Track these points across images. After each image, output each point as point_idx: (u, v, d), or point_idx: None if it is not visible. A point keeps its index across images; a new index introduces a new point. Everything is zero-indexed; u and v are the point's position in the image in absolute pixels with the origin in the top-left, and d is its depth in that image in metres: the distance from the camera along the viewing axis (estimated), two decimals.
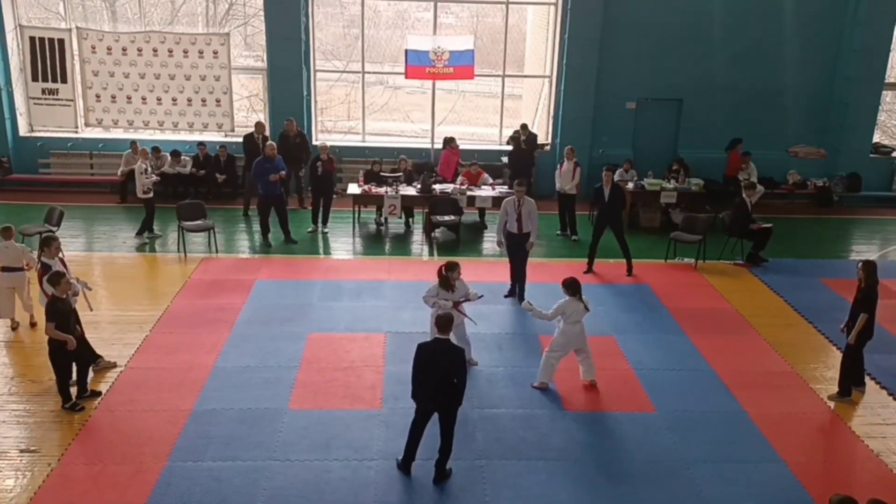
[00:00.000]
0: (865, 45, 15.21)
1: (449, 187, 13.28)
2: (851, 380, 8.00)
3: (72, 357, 7.30)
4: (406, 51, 14.43)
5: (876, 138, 16.67)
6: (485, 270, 11.23)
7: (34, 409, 7.37)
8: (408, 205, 13.30)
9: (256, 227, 12.83)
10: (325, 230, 13.19)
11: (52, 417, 7.23)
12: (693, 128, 15.79)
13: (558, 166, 13.24)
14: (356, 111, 16.83)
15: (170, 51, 15.18)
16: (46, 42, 15.14)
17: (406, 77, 15.05)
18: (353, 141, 16.39)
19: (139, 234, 12.38)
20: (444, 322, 6.29)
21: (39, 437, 6.94)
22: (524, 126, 14.70)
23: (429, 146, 15.70)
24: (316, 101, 15.90)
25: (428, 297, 7.81)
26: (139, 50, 15.14)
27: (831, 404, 7.94)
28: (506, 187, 13.34)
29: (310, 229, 13.13)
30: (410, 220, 13.72)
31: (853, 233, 14.67)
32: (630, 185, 13.70)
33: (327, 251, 12.46)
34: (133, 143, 14.45)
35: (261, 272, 11.07)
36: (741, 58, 15.37)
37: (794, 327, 9.84)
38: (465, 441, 6.90)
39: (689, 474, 6.68)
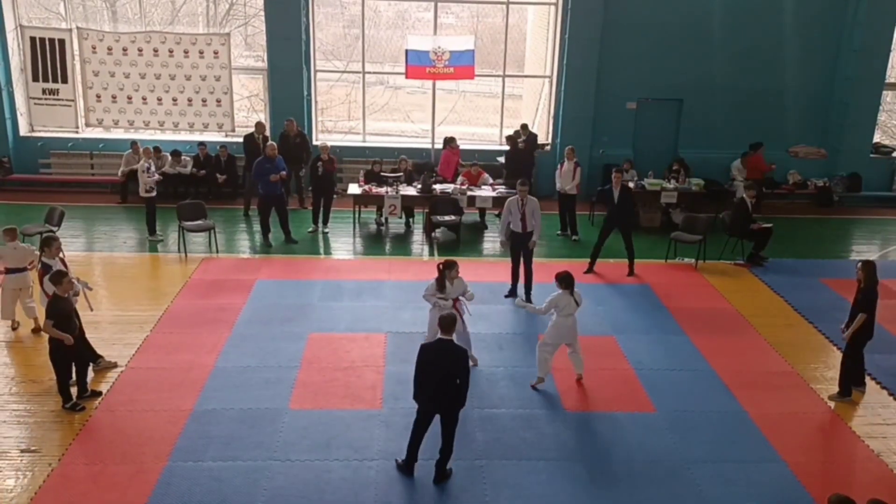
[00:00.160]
0: (865, 46, 15.21)
1: (449, 187, 13.28)
2: (852, 380, 8.00)
3: (72, 357, 7.31)
4: (406, 51, 14.44)
5: (876, 138, 16.68)
6: (485, 270, 11.23)
7: (35, 409, 7.38)
8: (408, 205, 13.31)
9: (257, 227, 12.83)
10: (326, 230, 13.20)
11: (53, 417, 7.23)
12: (693, 128, 15.79)
13: (559, 166, 13.24)
14: (356, 111, 16.83)
15: (170, 51, 15.18)
16: (47, 42, 15.15)
17: (406, 77, 15.07)
18: (353, 141, 16.39)
19: (152, 233, 12.37)
20: (447, 322, 6.29)
21: (40, 437, 6.94)
22: (524, 126, 14.70)
23: (429, 146, 15.70)
24: (316, 102, 15.91)
25: (428, 296, 7.86)
26: (140, 50, 15.15)
27: (831, 404, 7.94)
28: (504, 187, 13.36)
29: (310, 229, 13.13)
30: (411, 220, 13.72)
31: (853, 233, 14.68)
32: (630, 185, 13.68)
33: (328, 251, 12.46)
34: (133, 143, 14.47)
35: (261, 272, 11.07)
36: (742, 58, 15.37)
37: (794, 327, 9.84)
38: (466, 441, 6.90)
39: (689, 474, 6.68)
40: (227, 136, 15.66)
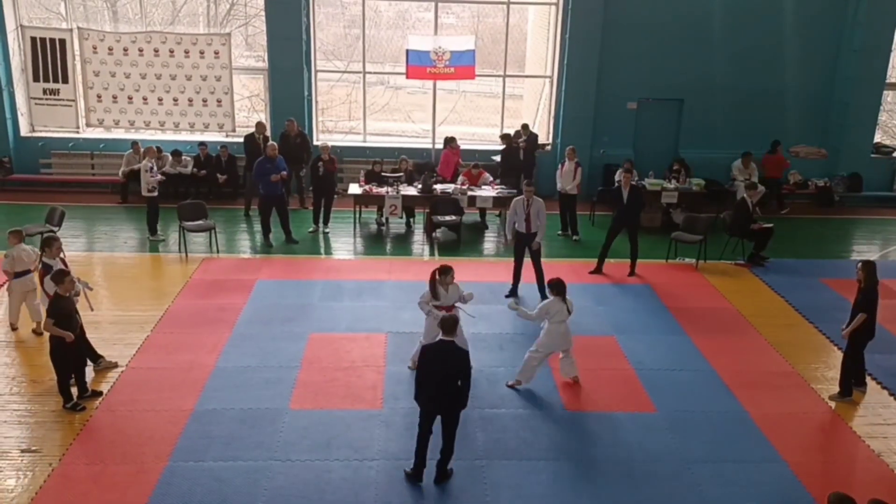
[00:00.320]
0: (866, 45, 15.21)
1: (450, 187, 13.28)
2: (852, 380, 8.00)
3: (73, 356, 7.31)
4: (407, 51, 14.44)
5: (877, 138, 16.68)
6: (486, 270, 11.24)
7: (35, 409, 7.38)
8: (409, 205, 13.31)
9: (257, 227, 12.84)
10: (327, 230, 13.20)
11: (54, 417, 7.23)
12: (694, 128, 15.79)
13: (559, 166, 13.24)
14: (357, 111, 16.84)
15: (171, 51, 15.18)
16: (48, 42, 15.16)
17: (407, 77, 15.08)
18: (354, 141, 16.40)
19: (153, 233, 12.38)
20: (449, 324, 6.28)
21: (40, 437, 6.94)
22: (525, 126, 14.70)
23: (430, 146, 15.71)
24: (317, 102, 15.91)
25: (422, 304, 7.82)
26: (140, 50, 15.15)
27: (832, 404, 7.94)
28: (501, 186, 13.39)
29: (311, 229, 13.13)
30: (411, 220, 13.73)
31: (854, 233, 14.67)
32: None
33: (328, 251, 12.47)
34: (134, 143, 14.48)
35: (262, 272, 11.08)
36: (742, 58, 15.37)
37: (794, 327, 9.84)
38: (466, 441, 6.90)
39: (689, 474, 6.68)
40: (227, 136, 15.66)
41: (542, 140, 15.69)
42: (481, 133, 18.53)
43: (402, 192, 13.00)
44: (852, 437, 7.37)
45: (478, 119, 19.85)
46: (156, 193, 12.22)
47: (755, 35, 15.29)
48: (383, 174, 13.42)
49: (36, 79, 15.32)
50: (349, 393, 7.79)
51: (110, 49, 15.15)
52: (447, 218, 12.79)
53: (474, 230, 13.56)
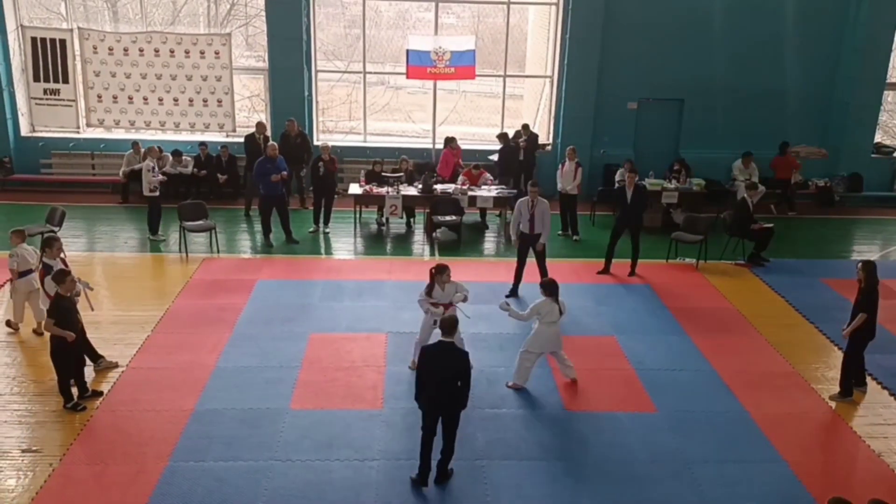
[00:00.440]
0: (866, 45, 15.21)
1: (450, 187, 13.28)
2: (853, 380, 8.00)
3: (73, 356, 7.32)
4: (407, 51, 14.44)
5: (877, 138, 16.67)
6: (486, 270, 11.24)
7: (36, 408, 7.38)
8: (409, 205, 13.31)
9: (258, 227, 12.84)
10: (327, 230, 13.20)
11: (54, 417, 7.24)
12: (694, 128, 15.79)
13: (560, 166, 13.24)
14: (357, 111, 16.84)
15: (171, 51, 15.18)
16: (48, 42, 15.16)
17: (407, 77, 15.08)
18: (354, 141, 16.40)
19: (154, 233, 12.39)
20: (448, 325, 6.28)
21: (41, 436, 6.95)
22: (526, 126, 14.70)
23: (430, 146, 15.71)
24: (317, 102, 15.91)
25: (421, 301, 7.90)
26: (141, 50, 15.15)
27: (833, 404, 7.94)
28: (500, 187, 13.39)
29: (311, 229, 13.13)
30: (412, 220, 13.73)
31: (854, 233, 14.67)
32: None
33: (329, 251, 12.47)
34: (135, 143, 14.48)
35: (262, 272, 11.08)
36: (742, 58, 15.36)
37: (795, 327, 9.84)
38: (466, 441, 6.90)
39: (690, 474, 6.68)
40: (227, 136, 15.66)
41: (542, 140, 15.69)
42: (482, 133, 18.53)
43: (403, 192, 13.00)
44: (853, 437, 7.37)
45: (478, 119, 19.85)
46: (157, 193, 12.22)
47: (755, 35, 15.29)
48: (384, 174, 13.42)
49: (36, 79, 15.33)
50: (350, 393, 7.79)
51: (111, 49, 15.16)
52: (447, 218, 12.79)
53: (475, 230, 13.56)
